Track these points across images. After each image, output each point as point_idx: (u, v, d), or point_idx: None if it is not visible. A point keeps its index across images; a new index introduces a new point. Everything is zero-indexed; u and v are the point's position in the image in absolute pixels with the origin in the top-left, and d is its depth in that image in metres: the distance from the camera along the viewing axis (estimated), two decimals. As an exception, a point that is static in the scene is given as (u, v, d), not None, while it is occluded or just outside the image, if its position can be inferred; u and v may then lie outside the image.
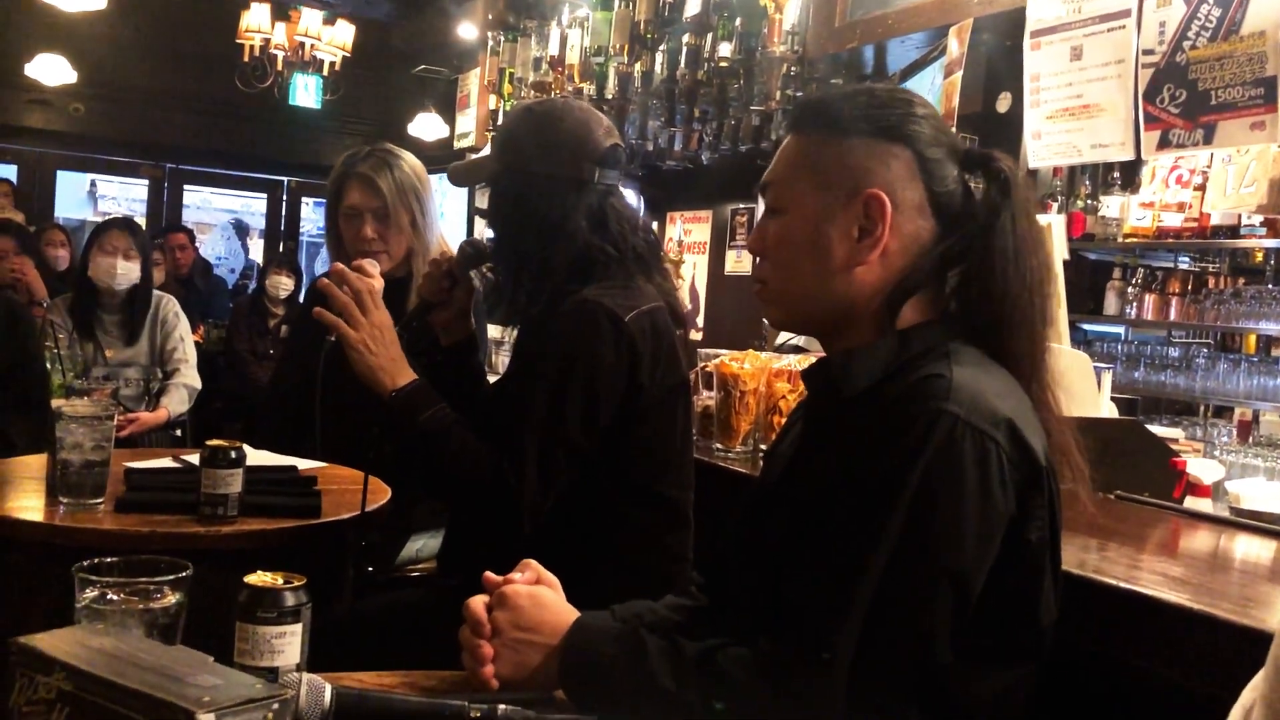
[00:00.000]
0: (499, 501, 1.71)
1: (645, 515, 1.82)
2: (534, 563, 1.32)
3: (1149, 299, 4.56)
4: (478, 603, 1.25)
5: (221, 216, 11.23)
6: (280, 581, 1.11)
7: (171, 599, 1.00)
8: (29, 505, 1.94)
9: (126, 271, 3.85)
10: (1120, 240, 4.34)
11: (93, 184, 11.36)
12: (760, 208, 1.36)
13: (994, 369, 1.20)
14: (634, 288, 1.82)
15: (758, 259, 1.32)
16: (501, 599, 1.24)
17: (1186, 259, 5.05)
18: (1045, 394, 1.25)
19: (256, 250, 10.52)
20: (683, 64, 4.68)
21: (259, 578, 1.11)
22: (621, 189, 1.95)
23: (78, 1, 5.99)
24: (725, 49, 4.39)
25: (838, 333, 1.28)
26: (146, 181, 9.82)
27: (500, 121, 1.94)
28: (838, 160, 1.24)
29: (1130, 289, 4.60)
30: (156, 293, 4.13)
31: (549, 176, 1.83)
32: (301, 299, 5.80)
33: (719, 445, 2.45)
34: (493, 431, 1.76)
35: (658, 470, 1.84)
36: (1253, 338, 4.88)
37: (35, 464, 2.14)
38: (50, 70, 7.77)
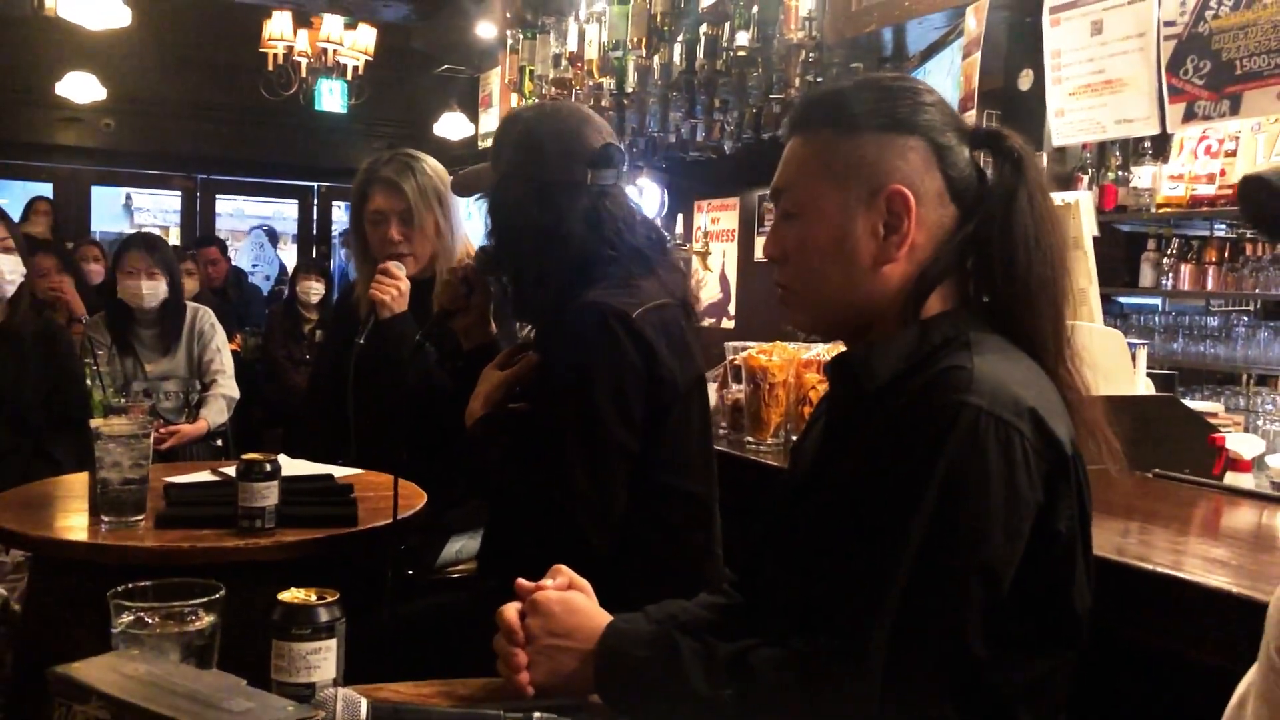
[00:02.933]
0: (556, 523, 1.72)
1: (672, 514, 1.82)
2: (565, 568, 1.33)
3: (1185, 269, 4.49)
4: (511, 610, 1.25)
5: (255, 224, 11.35)
6: (314, 598, 1.12)
7: (206, 621, 1.02)
8: (73, 525, 1.98)
9: (152, 290, 3.89)
10: (1154, 211, 4.27)
11: (128, 198, 11.51)
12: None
13: (1016, 356, 1.19)
14: (636, 286, 1.81)
15: (777, 264, 1.30)
16: (534, 606, 1.25)
17: (1222, 226, 4.97)
18: (1071, 374, 1.23)
19: (290, 255, 10.63)
20: (701, 55, 4.65)
21: (292, 595, 1.12)
22: (621, 187, 1.93)
23: (103, 20, 6.05)
24: (743, 38, 4.35)
25: (864, 331, 1.27)
26: (179, 193, 9.95)
27: (499, 126, 1.98)
28: (853, 158, 1.22)
29: (1166, 259, 4.53)
30: (191, 305, 4.18)
31: (542, 182, 1.83)
32: (334, 302, 5.85)
33: (750, 438, 2.44)
34: (532, 457, 1.76)
35: (680, 467, 1.84)
36: (1294, 303, 4.79)
37: (79, 483, 2.17)
38: (80, 88, 7.88)
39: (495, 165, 1.92)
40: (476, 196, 1.99)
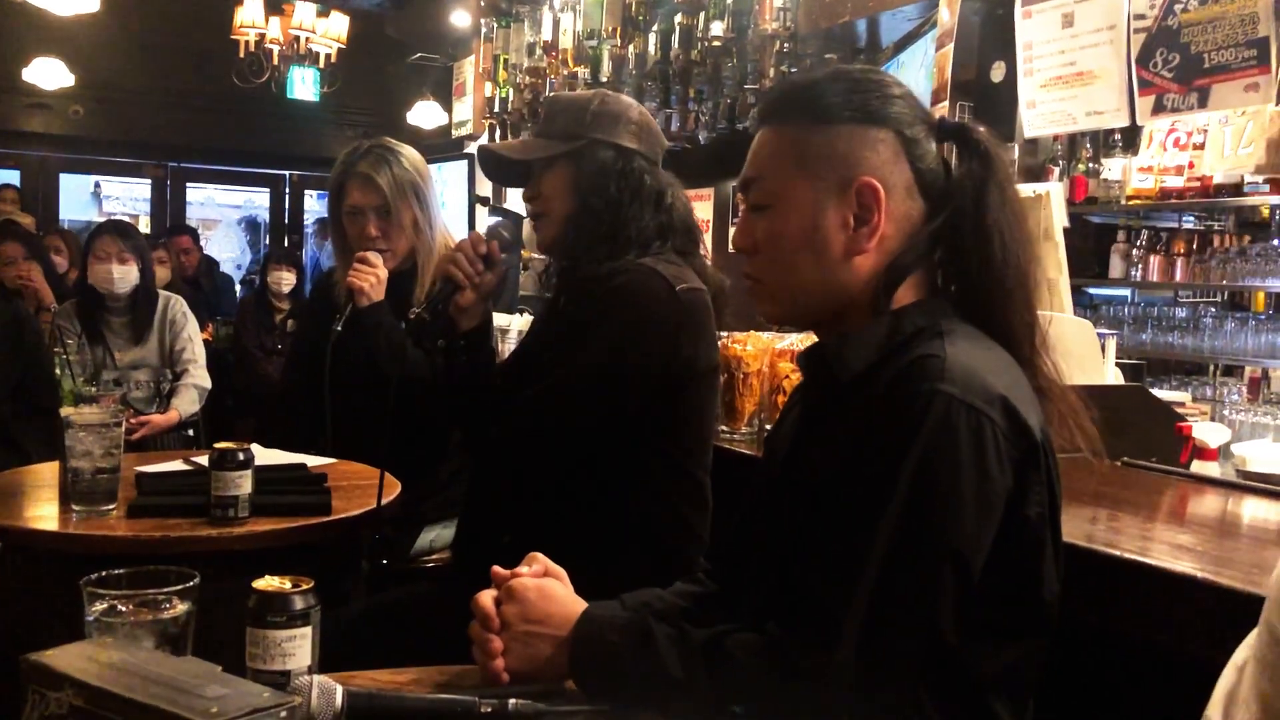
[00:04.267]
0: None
1: (672, 489, 1.87)
2: (541, 555, 1.33)
3: (1154, 260, 4.53)
4: (486, 597, 1.26)
5: (226, 213, 11.26)
6: (288, 585, 1.12)
7: (180, 609, 1.01)
8: (43, 514, 1.97)
9: (124, 275, 3.86)
10: (1123, 203, 4.31)
11: (96, 185, 11.39)
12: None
13: (988, 345, 1.20)
14: (681, 264, 1.90)
15: (747, 255, 1.30)
16: (509, 593, 1.25)
17: (1191, 218, 5.02)
18: (1045, 363, 1.25)
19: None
20: (675, 44, 4.66)
21: (267, 582, 1.12)
22: None
23: (71, 4, 5.98)
24: (717, 28, 4.37)
25: (835, 322, 1.28)
26: (149, 181, 9.86)
27: (547, 105, 1.97)
28: (825, 149, 1.23)
29: (1135, 251, 4.58)
30: (164, 293, 4.15)
31: (640, 154, 1.93)
32: (308, 292, 5.82)
33: (724, 427, 2.45)
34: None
35: (688, 449, 1.90)
36: (1261, 295, 4.86)
37: (48, 472, 2.16)
38: (47, 74, 7.79)
39: (584, 131, 1.94)
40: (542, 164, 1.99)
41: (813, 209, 1.23)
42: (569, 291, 1.98)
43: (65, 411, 1.96)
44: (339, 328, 2.40)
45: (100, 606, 0.99)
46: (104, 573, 1.02)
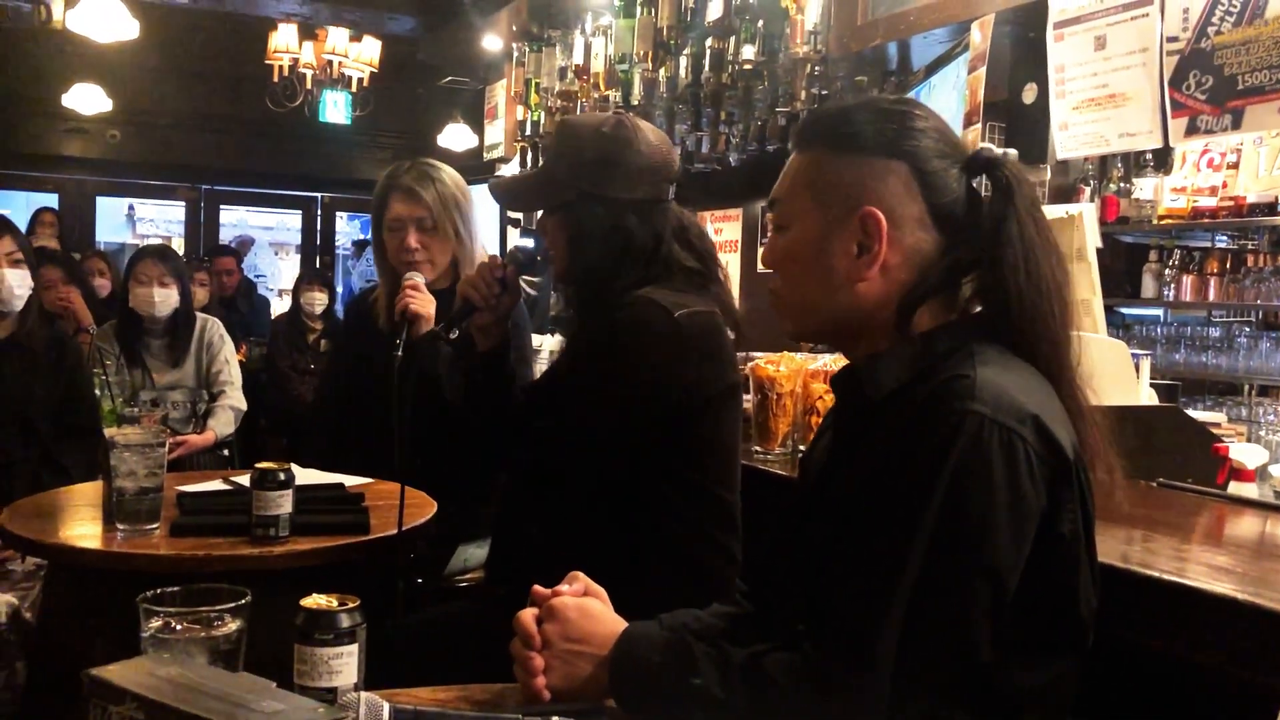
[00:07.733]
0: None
1: (697, 512, 1.87)
2: (581, 575, 1.35)
3: (1187, 280, 4.51)
4: (527, 615, 1.27)
5: (259, 235, 11.40)
6: (335, 604, 1.14)
7: (232, 626, 1.03)
8: (87, 533, 1.99)
9: (164, 299, 3.92)
10: (1155, 222, 4.29)
11: (131, 208, 11.55)
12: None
13: (1017, 365, 1.21)
14: (687, 290, 1.88)
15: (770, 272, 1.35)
16: (550, 611, 1.26)
17: (1224, 238, 4.99)
18: (1075, 398, 1.25)
19: (292, 266, 10.67)
20: (707, 68, 4.69)
21: (314, 600, 1.14)
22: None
23: (111, 32, 6.09)
24: (748, 51, 4.39)
25: (852, 340, 1.31)
26: (183, 204, 10.00)
27: (553, 135, 1.97)
28: (835, 178, 1.26)
29: (1168, 270, 4.55)
30: (201, 315, 4.20)
31: (637, 202, 1.88)
32: (341, 314, 5.87)
33: (758, 448, 2.46)
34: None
35: (709, 469, 1.89)
36: (1295, 314, 4.81)
37: (91, 492, 2.19)
38: (86, 99, 7.93)
39: (576, 180, 1.91)
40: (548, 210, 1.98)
41: (820, 234, 1.26)
42: (584, 320, 1.99)
43: (109, 432, 1.99)
44: (400, 353, 2.38)
45: (156, 623, 1.01)
46: (159, 590, 1.04)
